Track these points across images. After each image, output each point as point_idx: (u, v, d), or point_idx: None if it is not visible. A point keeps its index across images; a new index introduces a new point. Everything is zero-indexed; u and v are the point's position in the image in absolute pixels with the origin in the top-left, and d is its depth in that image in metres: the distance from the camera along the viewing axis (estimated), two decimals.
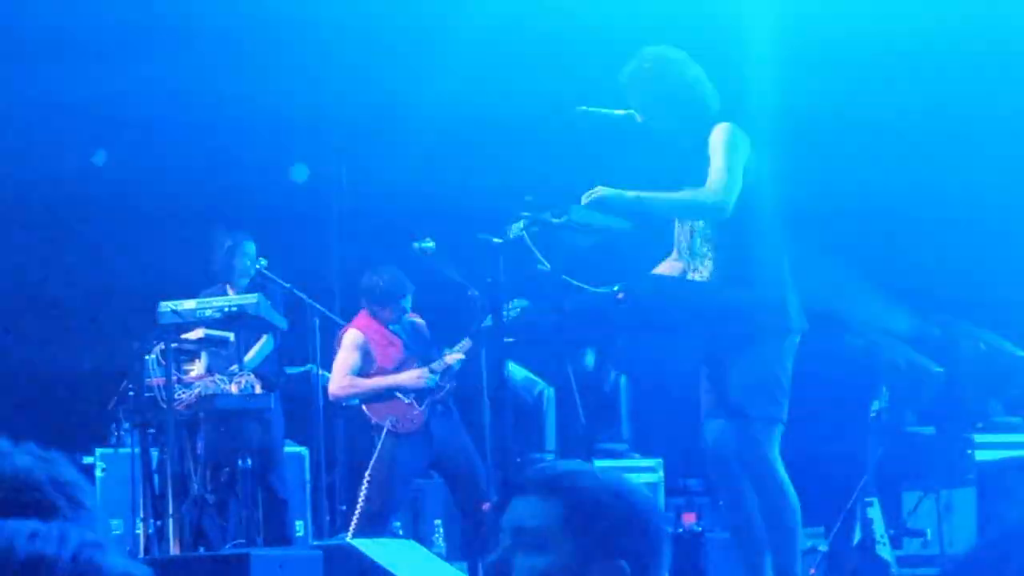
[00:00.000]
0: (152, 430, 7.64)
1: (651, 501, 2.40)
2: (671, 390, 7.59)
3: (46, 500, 1.49)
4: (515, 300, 6.40)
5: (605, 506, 2.28)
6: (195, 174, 9.21)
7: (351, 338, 7.72)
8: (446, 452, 7.62)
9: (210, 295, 7.79)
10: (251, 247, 8.05)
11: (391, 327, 7.79)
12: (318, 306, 8.29)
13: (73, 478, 1.54)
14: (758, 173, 5.68)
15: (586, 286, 5.98)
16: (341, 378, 7.70)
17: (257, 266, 8.08)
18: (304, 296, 8.22)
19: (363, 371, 7.71)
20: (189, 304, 7.60)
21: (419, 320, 7.87)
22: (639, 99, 5.77)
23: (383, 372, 7.68)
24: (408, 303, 7.79)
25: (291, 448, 8.53)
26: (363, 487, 7.57)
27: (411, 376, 7.65)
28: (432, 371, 7.70)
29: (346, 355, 7.71)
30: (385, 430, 7.58)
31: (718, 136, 5.62)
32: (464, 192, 8.51)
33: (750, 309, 5.63)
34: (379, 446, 7.60)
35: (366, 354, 7.71)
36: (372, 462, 7.59)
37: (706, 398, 5.78)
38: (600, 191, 5.66)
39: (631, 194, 5.68)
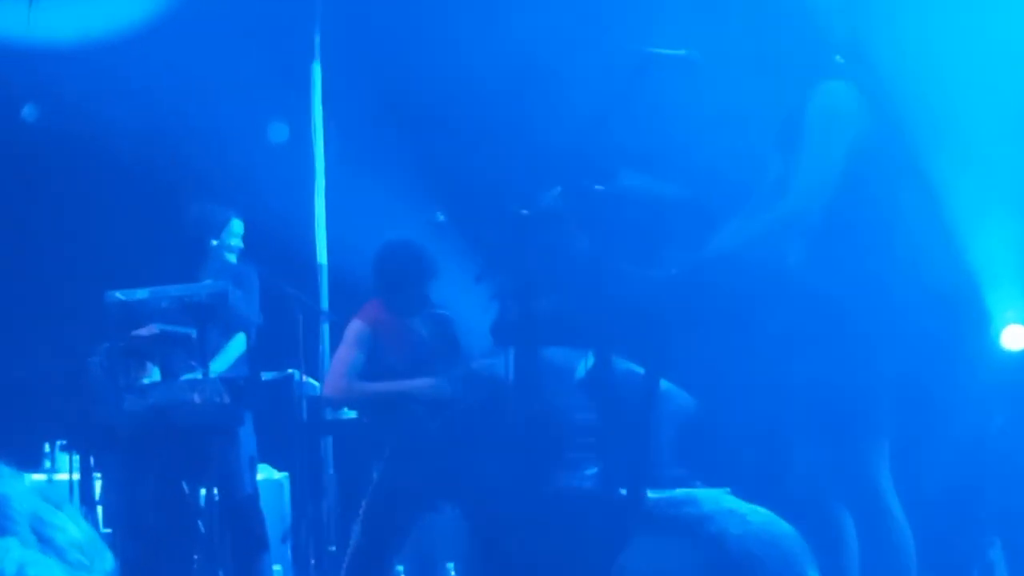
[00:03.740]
0: (95, 451, 7.80)
1: (808, 555, 2.27)
2: (741, 399, 7.57)
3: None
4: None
5: (755, 561, 2.21)
6: (153, 134, 9.38)
7: (355, 330, 7.60)
8: (464, 479, 7.37)
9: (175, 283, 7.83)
10: (238, 226, 8.09)
11: (408, 320, 7.64)
12: (302, 297, 8.30)
13: (37, 509, 1.66)
14: (869, 147, 5.64)
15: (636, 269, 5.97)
16: (339, 379, 7.58)
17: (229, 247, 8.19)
18: (285, 285, 8.24)
19: (368, 373, 7.57)
20: (142, 293, 7.53)
21: (445, 314, 7.79)
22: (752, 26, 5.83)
23: (393, 375, 7.54)
24: (431, 291, 7.69)
25: (268, 474, 8.62)
26: (358, 520, 7.39)
27: (426, 383, 7.49)
28: (453, 379, 7.54)
29: (347, 351, 7.58)
30: (388, 449, 7.43)
31: (818, 109, 5.60)
32: (484, 153, 8.73)
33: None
34: (380, 469, 7.43)
35: (373, 351, 7.56)
36: (370, 489, 7.41)
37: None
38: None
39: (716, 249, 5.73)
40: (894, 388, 5.71)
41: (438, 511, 8.13)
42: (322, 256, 9.32)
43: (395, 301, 7.65)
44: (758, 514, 2.24)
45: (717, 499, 2.28)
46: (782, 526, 2.23)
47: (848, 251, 5.60)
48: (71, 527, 1.64)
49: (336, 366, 7.68)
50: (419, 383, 7.53)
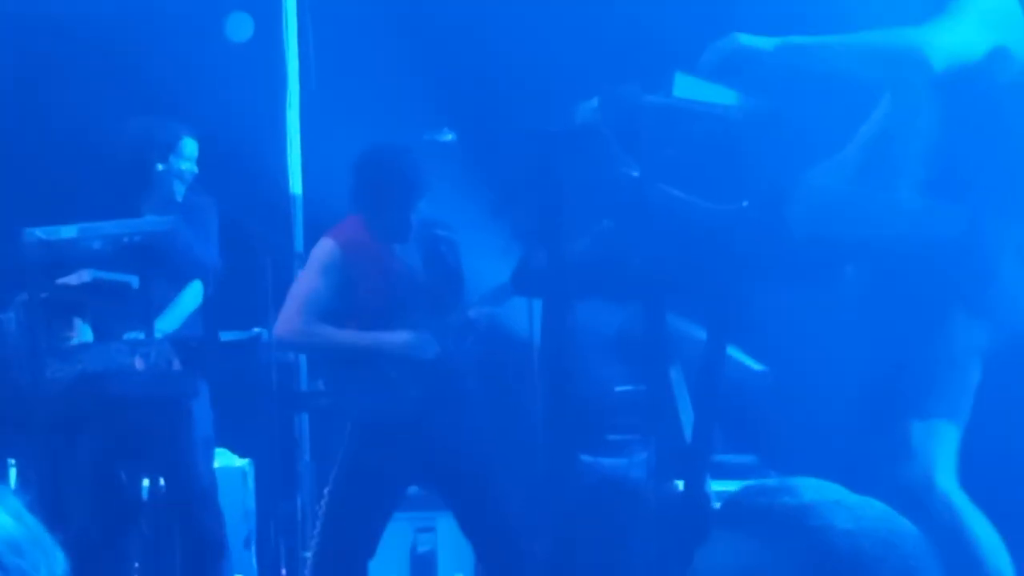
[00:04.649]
0: (9, 430, 7.41)
1: (935, 563, 2.28)
2: (825, 371, 7.44)
3: None
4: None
5: (869, 562, 2.24)
6: (82, 29, 9.15)
7: (322, 253, 7.21)
8: (454, 465, 7.14)
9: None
10: (190, 147, 7.71)
11: (394, 246, 7.20)
12: (271, 236, 7.98)
13: None
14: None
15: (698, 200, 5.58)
16: (293, 316, 7.19)
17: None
18: (250, 221, 7.91)
19: (335, 310, 7.16)
20: (68, 232, 7.09)
21: (448, 236, 7.32)
22: None
23: (366, 315, 7.12)
24: (423, 209, 7.24)
25: (227, 460, 8.34)
26: (319, 518, 7.13)
27: (406, 337, 7.08)
28: (446, 329, 7.19)
29: (309, 280, 7.22)
30: (352, 422, 7.14)
31: None
32: (502, 54, 8.67)
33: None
34: (343, 449, 7.12)
35: (343, 283, 7.15)
36: (332, 475, 7.12)
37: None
38: (734, 40, 5.26)
39: (779, 42, 5.33)
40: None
41: (434, 509, 7.88)
42: (296, 186, 8.92)
43: (377, 219, 7.15)
44: (872, 508, 2.23)
45: (820, 488, 2.26)
46: (902, 524, 2.24)
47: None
48: (8, 523, 1.67)
49: (293, 298, 7.27)
50: (398, 336, 7.06)
